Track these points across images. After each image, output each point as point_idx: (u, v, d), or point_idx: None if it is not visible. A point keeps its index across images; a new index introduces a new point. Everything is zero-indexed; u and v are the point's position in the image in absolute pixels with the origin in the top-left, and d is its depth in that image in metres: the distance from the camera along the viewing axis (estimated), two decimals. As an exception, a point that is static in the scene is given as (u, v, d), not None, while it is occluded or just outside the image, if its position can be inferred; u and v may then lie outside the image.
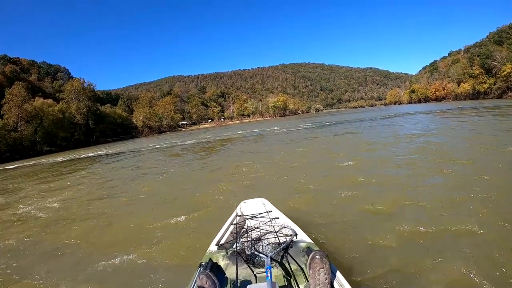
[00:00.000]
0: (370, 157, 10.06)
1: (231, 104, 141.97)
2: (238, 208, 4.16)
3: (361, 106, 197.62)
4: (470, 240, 3.75)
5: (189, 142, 31.89)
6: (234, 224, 3.53)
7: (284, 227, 3.19)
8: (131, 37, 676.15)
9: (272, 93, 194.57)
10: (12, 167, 30.92)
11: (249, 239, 3.02)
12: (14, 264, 4.89)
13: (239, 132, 37.80)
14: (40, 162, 31.14)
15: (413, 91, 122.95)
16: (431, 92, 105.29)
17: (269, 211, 3.83)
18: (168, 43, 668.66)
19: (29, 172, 22.03)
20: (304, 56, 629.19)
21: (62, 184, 13.23)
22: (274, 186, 7.70)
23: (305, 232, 3.11)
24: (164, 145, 30.82)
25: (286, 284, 2.37)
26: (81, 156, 31.68)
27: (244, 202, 4.36)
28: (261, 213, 3.77)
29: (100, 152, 34.53)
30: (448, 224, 4.20)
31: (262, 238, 3.09)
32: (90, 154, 33.08)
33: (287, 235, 3.00)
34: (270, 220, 3.49)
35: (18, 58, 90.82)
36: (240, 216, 3.87)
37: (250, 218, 3.72)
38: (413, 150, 10.55)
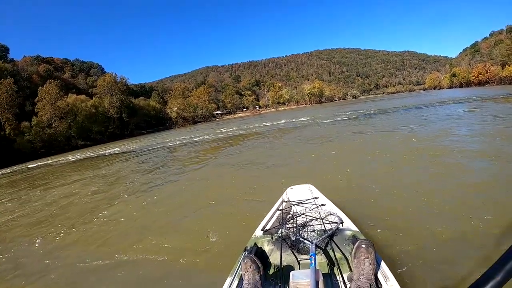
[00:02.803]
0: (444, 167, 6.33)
1: (265, 92, 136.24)
2: (284, 193, 4.09)
3: (399, 92, 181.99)
4: None
5: (221, 135, 28.53)
6: (281, 209, 3.46)
7: (330, 214, 3.13)
8: (164, 28, 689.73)
9: (308, 80, 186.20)
10: (41, 163, 30.54)
11: (294, 225, 2.99)
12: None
13: (269, 124, 33.96)
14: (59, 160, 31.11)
15: (454, 75, 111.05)
16: (474, 76, 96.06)
17: (316, 198, 3.75)
18: (202, 33, 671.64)
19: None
20: (338, 41, 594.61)
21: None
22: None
23: (351, 220, 2.98)
24: (205, 137, 26.80)
25: (330, 272, 2.30)
26: (106, 153, 31.46)
27: (291, 188, 4.28)
28: (307, 199, 3.72)
29: (134, 146, 33.92)
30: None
31: (307, 224, 3.01)
32: (114, 150, 32.83)
33: (333, 222, 2.94)
34: (317, 207, 3.44)
35: (51, 57, 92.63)
36: (286, 202, 3.82)
37: (296, 204, 3.64)
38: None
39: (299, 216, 3.22)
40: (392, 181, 5.82)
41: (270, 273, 2.34)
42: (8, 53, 72.45)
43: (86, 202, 8.49)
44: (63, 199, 9.56)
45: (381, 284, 2.01)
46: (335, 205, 3.47)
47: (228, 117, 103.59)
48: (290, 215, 3.24)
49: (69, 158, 31.10)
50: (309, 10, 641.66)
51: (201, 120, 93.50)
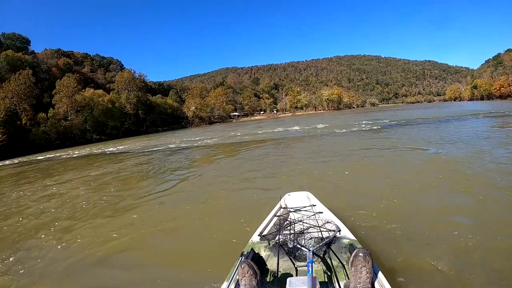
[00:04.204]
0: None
1: (283, 96, 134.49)
2: (282, 200, 4.06)
3: (418, 102, 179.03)
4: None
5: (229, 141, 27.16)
6: (278, 216, 3.44)
7: (327, 222, 3.11)
8: (186, 28, 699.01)
9: (327, 85, 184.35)
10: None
11: (291, 231, 2.97)
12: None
13: (288, 130, 31.42)
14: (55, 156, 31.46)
15: (475, 87, 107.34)
16: (496, 89, 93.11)
17: (313, 205, 3.74)
18: (223, 34, 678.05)
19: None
20: (359, 48, 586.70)
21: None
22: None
23: (348, 228, 2.99)
24: (208, 141, 25.02)
25: (327, 279, 2.32)
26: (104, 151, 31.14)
27: (289, 195, 4.26)
28: (305, 207, 3.72)
29: (145, 144, 33.92)
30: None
31: (305, 231, 3.00)
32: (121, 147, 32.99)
33: (330, 230, 2.92)
34: (314, 214, 3.40)
35: (71, 51, 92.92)
36: (284, 208, 3.78)
37: (293, 211, 3.68)
38: None
39: (296, 223, 3.21)
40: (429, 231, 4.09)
41: (267, 279, 2.35)
42: (29, 45, 73.01)
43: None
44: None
45: None
46: (333, 213, 3.45)
47: (244, 119, 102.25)
48: (287, 222, 3.26)
49: (71, 153, 30.97)
50: (331, 15, 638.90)
51: (217, 120, 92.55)
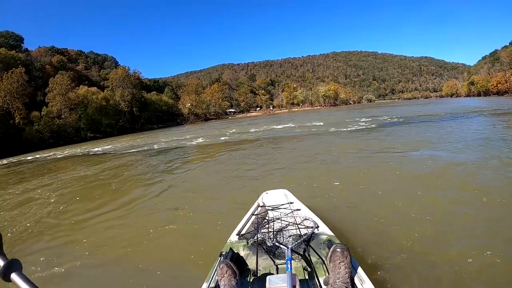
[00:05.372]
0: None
1: (280, 92, 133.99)
2: (260, 198, 4.04)
3: (415, 98, 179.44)
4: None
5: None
6: (256, 214, 3.44)
7: (305, 219, 3.13)
8: (182, 25, 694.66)
9: (323, 81, 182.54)
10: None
11: (270, 230, 2.97)
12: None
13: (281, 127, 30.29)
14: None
15: (472, 83, 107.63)
16: (493, 85, 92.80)
17: (291, 203, 3.74)
18: (219, 30, 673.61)
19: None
20: (356, 44, 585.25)
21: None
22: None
23: (326, 224, 3.00)
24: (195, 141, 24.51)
25: (306, 276, 2.31)
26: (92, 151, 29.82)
27: (266, 193, 4.27)
28: (282, 204, 3.71)
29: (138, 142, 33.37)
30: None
31: (283, 229, 2.99)
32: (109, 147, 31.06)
33: (308, 227, 2.94)
34: (292, 212, 3.40)
35: (65, 48, 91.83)
36: (261, 206, 3.75)
37: (271, 209, 3.63)
38: None
39: (274, 221, 3.20)
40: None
41: (247, 278, 2.35)
42: (23, 43, 72.53)
43: None
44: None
45: (357, 287, 2.03)
46: (310, 210, 3.46)
47: (240, 115, 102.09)
48: (265, 220, 3.23)
49: (57, 153, 30.43)
50: (327, 11, 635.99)
51: (213, 117, 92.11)
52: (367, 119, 25.09)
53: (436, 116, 22.21)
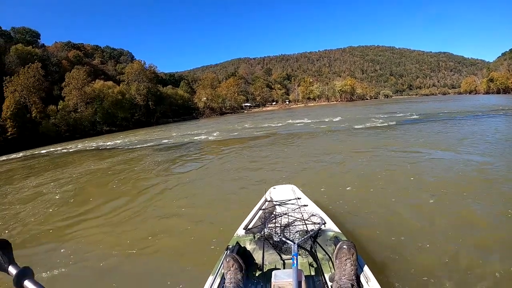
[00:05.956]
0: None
1: (296, 87, 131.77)
2: (267, 193, 3.99)
3: (432, 94, 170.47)
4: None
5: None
6: (263, 209, 3.42)
7: (312, 215, 3.08)
8: (198, 19, 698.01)
9: (340, 76, 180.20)
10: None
11: (277, 225, 2.96)
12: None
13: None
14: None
15: (491, 80, 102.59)
16: None
17: (298, 198, 3.71)
18: (235, 24, 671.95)
19: None
20: (372, 39, 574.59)
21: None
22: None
23: (333, 221, 2.94)
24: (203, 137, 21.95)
25: (312, 272, 2.30)
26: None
27: (274, 188, 4.25)
28: (290, 200, 3.68)
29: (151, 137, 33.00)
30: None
31: (290, 224, 2.99)
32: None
33: (315, 223, 2.90)
34: (299, 207, 3.39)
35: (82, 44, 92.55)
36: (269, 201, 3.75)
37: (278, 204, 3.66)
38: None
39: (281, 216, 3.19)
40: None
41: (252, 272, 2.35)
42: (39, 39, 73.06)
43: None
44: None
45: (362, 285, 2.00)
46: (317, 206, 3.42)
47: (256, 110, 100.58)
48: (272, 215, 3.21)
49: (71, 147, 31.68)
50: (344, 4, 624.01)
51: (228, 111, 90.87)
52: (384, 116, 23.90)
53: (458, 114, 20.33)
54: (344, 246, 2.05)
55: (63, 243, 4.78)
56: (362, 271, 2.13)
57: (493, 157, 7.12)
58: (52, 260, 4.19)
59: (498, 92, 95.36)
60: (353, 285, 1.88)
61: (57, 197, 8.00)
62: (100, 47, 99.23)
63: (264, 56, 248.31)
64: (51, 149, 29.59)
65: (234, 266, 2.06)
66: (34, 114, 47.92)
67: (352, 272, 1.94)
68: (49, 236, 5.23)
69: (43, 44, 74.66)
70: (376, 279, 2.04)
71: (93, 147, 25.22)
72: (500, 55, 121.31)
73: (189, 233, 4.49)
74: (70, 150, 25.34)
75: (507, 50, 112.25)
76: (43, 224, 5.84)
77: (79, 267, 3.94)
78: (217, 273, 2.26)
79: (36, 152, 28.74)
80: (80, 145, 30.37)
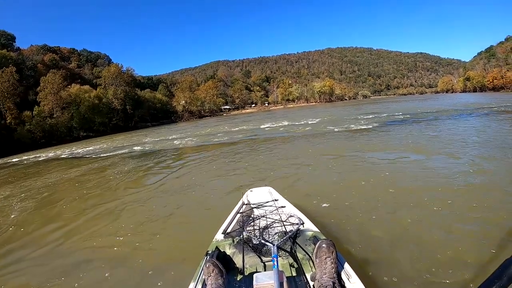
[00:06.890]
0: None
1: (275, 89, 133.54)
2: (244, 196, 4.04)
3: (410, 94, 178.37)
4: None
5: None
6: (241, 212, 3.45)
7: (290, 215, 3.12)
8: (176, 22, 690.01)
9: (318, 78, 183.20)
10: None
11: (255, 227, 2.97)
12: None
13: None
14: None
15: (468, 79, 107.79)
16: (488, 81, 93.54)
17: (276, 200, 3.74)
18: (213, 27, 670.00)
19: None
20: (351, 40, 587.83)
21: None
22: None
23: (311, 221, 3.02)
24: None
25: (293, 272, 2.33)
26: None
27: (251, 191, 4.24)
28: (267, 202, 3.71)
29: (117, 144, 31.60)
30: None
31: (268, 226, 3.01)
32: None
33: (293, 223, 2.94)
34: (277, 209, 3.42)
35: (58, 47, 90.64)
36: (246, 204, 3.77)
37: (256, 207, 3.67)
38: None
39: (260, 218, 3.19)
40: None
41: (234, 277, 2.37)
42: (14, 42, 71.25)
43: None
44: None
45: (344, 282, 2.04)
46: (295, 206, 3.47)
47: (235, 112, 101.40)
48: (251, 218, 3.20)
49: (41, 155, 29.30)
50: (321, 7, 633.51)
51: (207, 114, 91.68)
52: (364, 116, 23.93)
53: (438, 113, 20.55)
54: (324, 245, 2.09)
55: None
56: (343, 268, 2.17)
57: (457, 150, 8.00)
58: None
59: (474, 91, 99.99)
60: (335, 283, 1.92)
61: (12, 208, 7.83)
62: (77, 50, 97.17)
63: (243, 59, 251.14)
64: (24, 158, 29.14)
65: (214, 271, 2.06)
66: (8, 120, 47.24)
67: (333, 269, 1.99)
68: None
69: (19, 47, 72.85)
70: (357, 275, 2.08)
71: (66, 155, 24.58)
72: (476, 54, 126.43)
73: (167, 241, 4.49)
74: (40, 159, 24.68)
75: (483, 50, 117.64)
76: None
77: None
78: (198, 279, 2.26)
79: (8, 161, 28.24)
80: (51, 153, 29.54)
